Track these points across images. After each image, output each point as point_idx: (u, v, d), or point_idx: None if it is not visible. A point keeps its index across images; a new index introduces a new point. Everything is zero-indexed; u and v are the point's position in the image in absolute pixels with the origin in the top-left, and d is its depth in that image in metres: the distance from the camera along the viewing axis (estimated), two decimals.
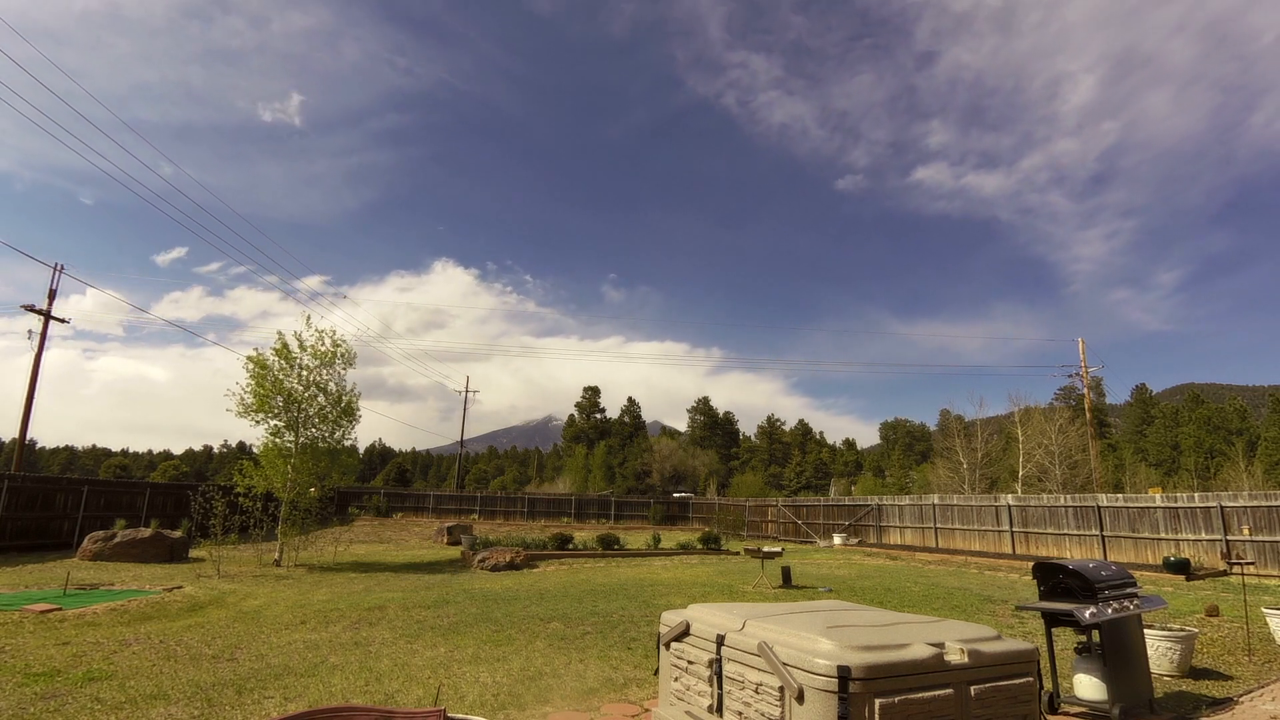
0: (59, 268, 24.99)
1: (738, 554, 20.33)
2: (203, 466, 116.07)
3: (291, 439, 16.20)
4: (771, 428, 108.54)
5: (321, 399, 16.62)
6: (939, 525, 23.59)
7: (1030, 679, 3.09)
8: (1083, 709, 5.03)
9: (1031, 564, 7.24)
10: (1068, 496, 20.38)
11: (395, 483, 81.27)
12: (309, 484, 16.27)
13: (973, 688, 2.89)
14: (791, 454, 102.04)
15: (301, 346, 16.46)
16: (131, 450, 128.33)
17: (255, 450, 17.04)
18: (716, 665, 3.31)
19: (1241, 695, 5.57)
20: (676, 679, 3.67)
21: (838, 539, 26.26)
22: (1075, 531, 19.41)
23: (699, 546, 20.98)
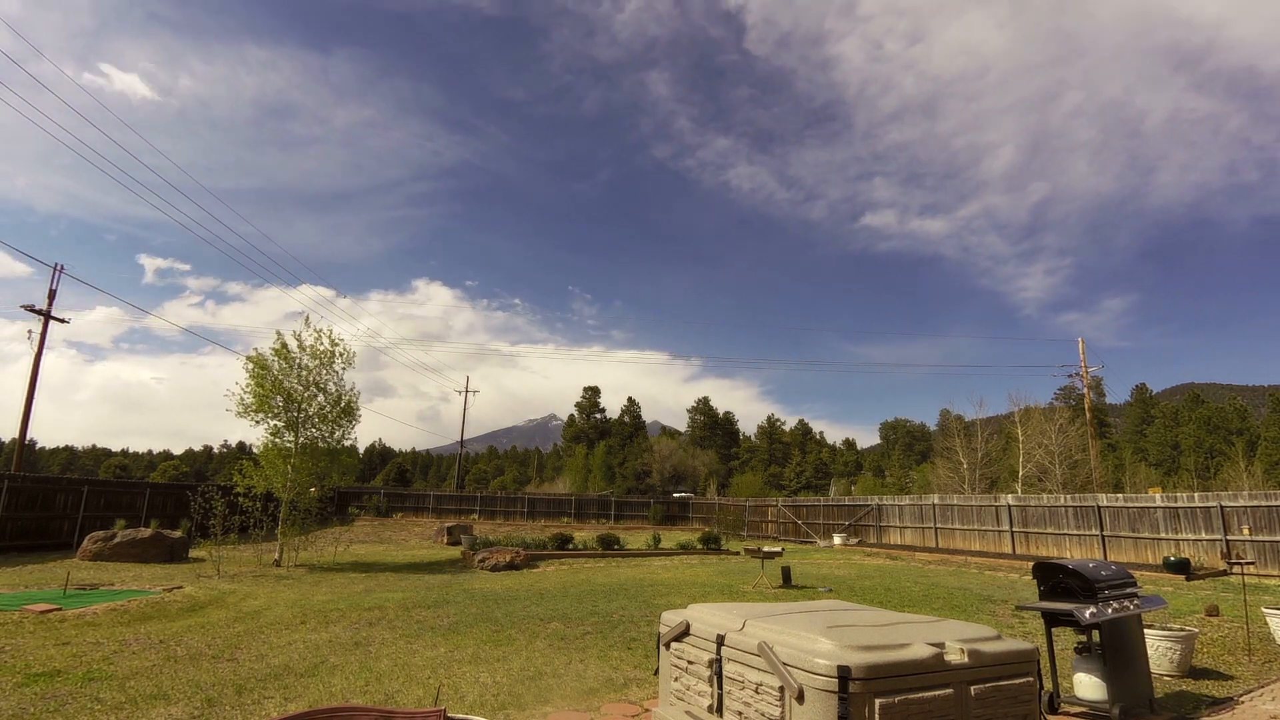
0: (59, 268, 24.97)
1: (738, 554, 20.33)
2: (203, 467, 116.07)
3: (291, 439, 16.21)
4: (771, 428, 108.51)
5: (321, 399, 16.65)
6: (939, 525, 23.59)
7: (1030, 679, 3.09)
8: (1083, 709, 5.02)
9: (1031, 564, 7.24)
10: (1068, 496, 20.38)
11: (395, 483, 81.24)
12: (309, 484, 16.29)
13: (973, 687, 2.89)
14: (791, 454, 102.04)
15: (301, 346, 16.49)
16: (131, 450, 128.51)
17: (255, 450, 17.05)
18: (716, 665, 3.31)
19: (1242, 695, 5.57)
20: (676, 679, 3.67)
21: (838, 539, 26.26)
22: (1075, 531, 19.40)
23: (699, 546, 20.98)
